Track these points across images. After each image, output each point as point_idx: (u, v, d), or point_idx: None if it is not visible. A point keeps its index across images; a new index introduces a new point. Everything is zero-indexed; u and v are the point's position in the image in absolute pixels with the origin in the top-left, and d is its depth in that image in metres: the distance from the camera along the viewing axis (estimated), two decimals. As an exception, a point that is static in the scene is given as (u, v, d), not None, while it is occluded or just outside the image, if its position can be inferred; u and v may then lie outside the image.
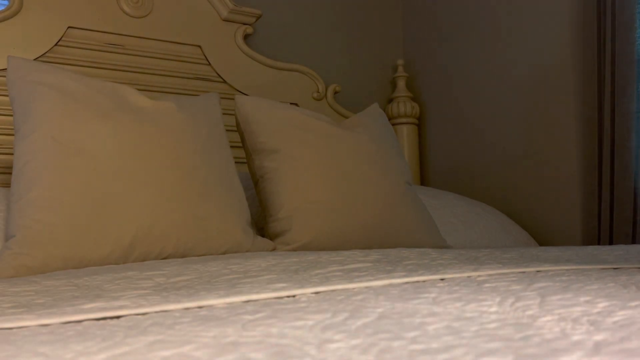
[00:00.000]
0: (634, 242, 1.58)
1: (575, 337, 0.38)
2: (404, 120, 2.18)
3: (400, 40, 2.35)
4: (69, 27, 1.59)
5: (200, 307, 0.55)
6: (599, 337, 0.38)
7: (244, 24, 1.89)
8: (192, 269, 0.88)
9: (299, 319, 0.46)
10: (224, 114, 1.76)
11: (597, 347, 0.36)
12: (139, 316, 0.52)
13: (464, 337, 0.40)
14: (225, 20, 1.85)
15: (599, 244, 1.66)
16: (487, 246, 1.64)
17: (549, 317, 0.45)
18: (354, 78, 2.18)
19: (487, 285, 0.60)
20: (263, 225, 1.45)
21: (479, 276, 0.67)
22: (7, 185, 1.45)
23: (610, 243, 1.62)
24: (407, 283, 0.64)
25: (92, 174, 1.14)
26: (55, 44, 1.57)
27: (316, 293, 0.60)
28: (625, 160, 1.58)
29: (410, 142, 2.19)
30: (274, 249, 1.35)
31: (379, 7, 2.30)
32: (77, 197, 1.12)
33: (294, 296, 0.59)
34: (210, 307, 0.55)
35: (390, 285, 0.63)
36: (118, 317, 0.52)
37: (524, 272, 0.70)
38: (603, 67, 1.63)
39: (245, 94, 1.85)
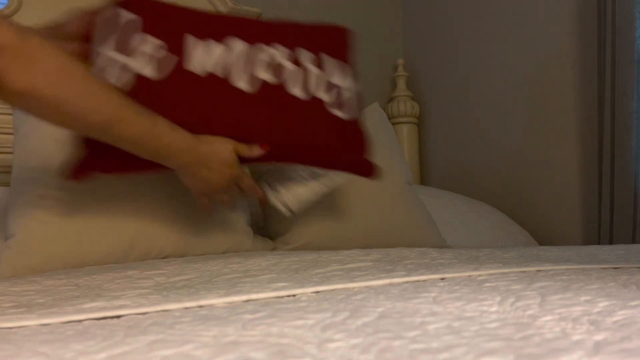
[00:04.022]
0: (634, 242, 1.58)
1: (576, 337, 0.38)
2: (404, 119, 2.18)
3: (400, 40, 2.35)
4: (68, 27, 1.59)
5: (200, 307, 0.55)
6: (599, 336, 0.38)
7: (244, 23, 1.89)
8: (192, 268, 0.88)
9: (299, 318, 0.46)
10: (224, 113, 1.76)
11: (598, 347, 0.36)
12: (139, 315, 0.52)
13: (464, 336, 0.40)
14: (225, 19, 1.85)
15: (599, 243, 1.66)
16: (487, 246, 1.64)
17: (549, 317, 0.45)
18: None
19: (487, 284, 0.60)
20: (263, 225, 1.45)
21: (479, 276, 0.67)
22: (7, 184, 1.45)
23: (610, 243, 1.62)
24: (407, 282, 0.64)
25: (92, 173, 1.14)
26: (55, 43, 1.57)
27: (316, 292, 0.60)
28: (625, 160, 1.58)
29: (410, 141, 2.19)
30: (274, 249, 1.35)
31: (379, 6, 2.30)
32: (76, 197, 1.12)
33: (294, 295, 0.59)
34: (210, 306, 0.55)
35: (391, 284, 0.63)
36: (118, 316, 0.52)
37: (524, 272, 0.70)
38: (603, 66, 1.63)
39: (245, 94, 1.84)
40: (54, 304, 0.59)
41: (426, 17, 2.27)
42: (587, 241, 1.70)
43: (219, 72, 1.02)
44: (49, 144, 1.14)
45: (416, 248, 1.18)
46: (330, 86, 1.13)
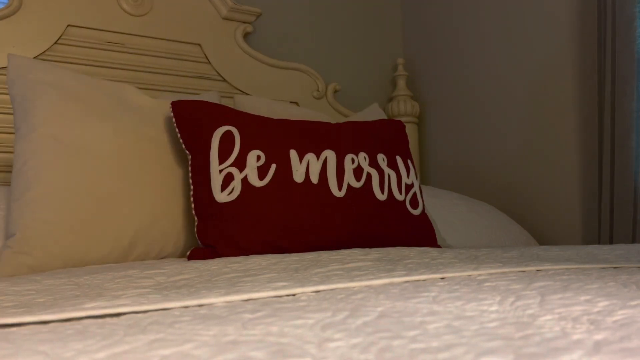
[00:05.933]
0: (634, 241, 1.57)
1: (576, 336, 0.38)
2: (404, 119, 2.18)
3: (400, 39, 2.35)
4: (68, 26, 1.59)
5: (200, 306, 0.55)
6: (599, 336, 0.38)
7: (244, 22, 1.89)
8: (192, 268, 0.88)
9: (299, 317, 0.46)
10: (224, 112, 1.76)
11: (597, 346, 0.36)
12: (139, 314, 0.52)
13: (464, 336, 0.40)
14: (225, 18, 1.85)
15: (599, 243, 1.66)
16: (487, 245, 1.64)
17: (549, 316, 0.45)
18: (354, 77, 2.18)
19: (487, 284, 0.60)
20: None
21: (479, 275, 0.67)
22: (7, 183, 1.45)
23: (611, 242, 1.62)
24: (407, 282, 0.64)
25: (92, 172, 1.14)
26: (55, 42, 1.57)
27: (316, 292, 0.60)
28: (625, 160, 1.58)
29: (411, 141, 2.19)
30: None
31: (379, 5, 2.29)
32: (77, 196, 1.12)
33: (294, 295, 0.59)
34: (210, 305, 0.55)
35: (391, 284, 0.63)
36: (118, 315, 0.52)
37: (524, 271, 0.70)
38: (603, 66, 1.63)
39: (245, 93, 1.84)
40: (55, 304, 0.59)
41: (426, 16, 2.27)
42: (587, 241, 1.70)
43: (314, 180, 1.22)
44: (49, 143, 1.14)
45: (416, 247, 1.18)
46: (402, 186, 1.34)
